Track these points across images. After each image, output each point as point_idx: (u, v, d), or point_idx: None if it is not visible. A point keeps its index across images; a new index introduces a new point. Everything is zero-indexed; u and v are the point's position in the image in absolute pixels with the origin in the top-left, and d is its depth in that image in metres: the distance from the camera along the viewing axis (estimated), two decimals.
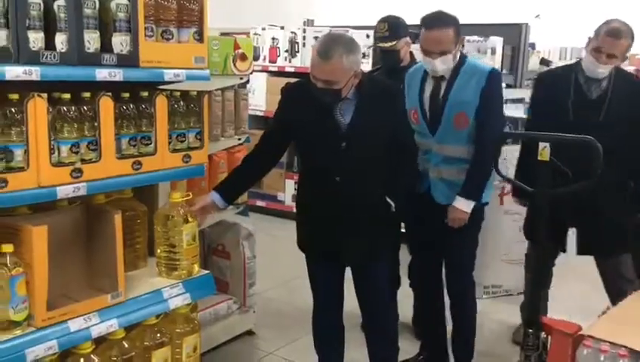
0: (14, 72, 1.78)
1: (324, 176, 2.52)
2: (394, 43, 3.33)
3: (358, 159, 2.48)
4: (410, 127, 2.83)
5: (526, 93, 5.37)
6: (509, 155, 3.78)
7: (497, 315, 3.98)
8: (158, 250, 2.43)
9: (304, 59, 5.91)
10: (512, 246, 4.31)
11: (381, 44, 3.37)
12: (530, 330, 2.54)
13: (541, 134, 2.62)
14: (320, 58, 2.32)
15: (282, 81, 6.05)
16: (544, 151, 2.53)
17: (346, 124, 2.48)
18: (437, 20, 2.77)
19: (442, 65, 2.76)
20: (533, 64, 6.59)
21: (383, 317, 2.78)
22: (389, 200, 2.59)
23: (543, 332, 2.56)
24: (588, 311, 3.74)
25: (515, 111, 4.53)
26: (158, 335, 2.32)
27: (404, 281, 3.70)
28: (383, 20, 3.40)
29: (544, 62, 9.44)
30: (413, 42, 3.48)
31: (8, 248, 1.86)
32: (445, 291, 3.16)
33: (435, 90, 2.86)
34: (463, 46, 5.08)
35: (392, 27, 3.33)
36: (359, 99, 2.48)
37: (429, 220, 2.93)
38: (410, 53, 3.50)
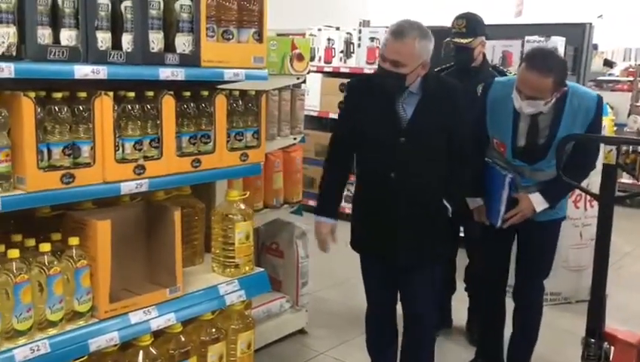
0: (83, 70, 1.85)
1: (380, 172, 2.49)
2: (470, 40, 3.24)
3: (416, 156, 2.44)
4: (471, 138, 2.61)
5: None
6: None
7: (556, 323, 3.86)
8: (214, 247, 2.47)
9: (359, 60, 5.89)
10: (571, 252, 4.18)
11: (457, 40, 3.27)
12: (592, 340, 2.45)
13: (606, 137, 2.53)
14: (393, 37, 2.33)
15: (337, 82, 6.08)
16: (610, 154, 2.44)
17: (407, 118, 2.45)
18: (540, 62, 2.48)
19: (529, 109, 2.57)
20: (596, 65, 6.39)
21: (422, 326, 2.69)
22: (446, 203, 2.55)
23: (606, 342, 2.47)
24: None
25: None
26: (214, 330, 2.36)
27: (460, 286, 3.65)
28: (462, 17, 3.31)
29: (608, 63, 9.16)
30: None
31: (74, 241, 1.93)
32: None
33: (534, 127, 2.67)
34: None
35: (470, 24, 3.25)
36: (423, 94, 2.44)
37: (510, 228, 2.84)
38: (483, 54, 3.40)
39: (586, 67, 5.57)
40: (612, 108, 4.99)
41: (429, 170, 2.49)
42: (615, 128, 4.75)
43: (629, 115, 7.40)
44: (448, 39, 3.31)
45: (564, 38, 5.13)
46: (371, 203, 2.58)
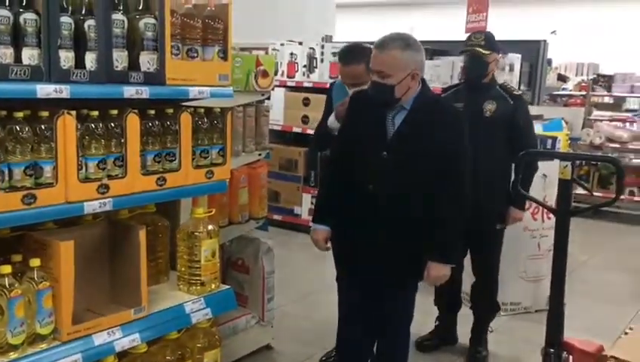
0: (45, 90, 1.82)
1: (361, 183, 2.49)
2: (488, 53, 3.31)
3: (396, 172, 2.42)
4: (466, 158, 2.51)
5: (544, 110, 5.37)
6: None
7: (516, 332, 3.95)
8: (180, 265, 2.45)
9: (322, 75, 5.95)
10: (530, 263, 4.28)
11: (477, 49, 3.31)
12: (552, 350, 2.52)
13: (563, 153, 2.62)
14: (376, 49, 2.38)
15: (300, 96, 6.12)
16: (565, 169, 2.53)
17: (392, 132, 2.46)
18: (350, 56, 3.06)
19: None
20: (551, 80, 6.59)
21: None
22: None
23: (565, 352, 2.54)
24: (603, 329, 3.72)
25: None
26: (180, 349, 2.34)
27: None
28: (480, 32, 3.51)
29: (561, 78, 9.45)
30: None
31: (36, 262, 1.89)
32: None
33: None
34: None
35: (488, 39, 3.36)
36: (411, 110, 2.44)
37: None
38: (492, 73, 3.45)
39: (542, 82, 5.76)
40: (567, 122, 5.15)
41: (410, 188, 2.44)
42: (569, 142, 4.90)
43: (582, 128, 7.62)
44: (466, 48, 3.38)
45: (519, 55, 5.29)
46: (347, 214, 2.56)
